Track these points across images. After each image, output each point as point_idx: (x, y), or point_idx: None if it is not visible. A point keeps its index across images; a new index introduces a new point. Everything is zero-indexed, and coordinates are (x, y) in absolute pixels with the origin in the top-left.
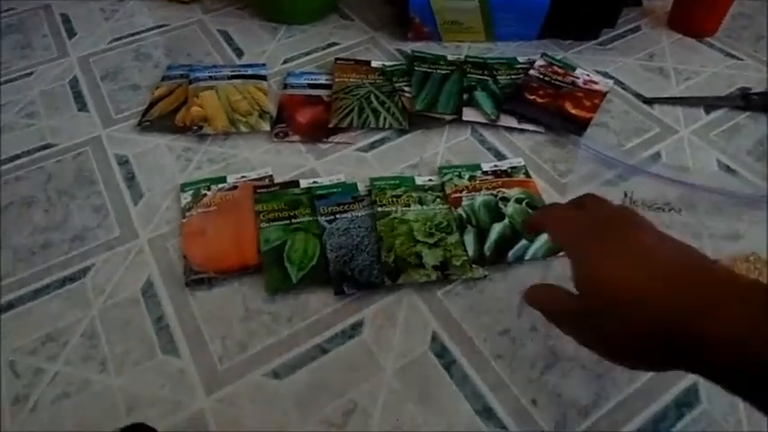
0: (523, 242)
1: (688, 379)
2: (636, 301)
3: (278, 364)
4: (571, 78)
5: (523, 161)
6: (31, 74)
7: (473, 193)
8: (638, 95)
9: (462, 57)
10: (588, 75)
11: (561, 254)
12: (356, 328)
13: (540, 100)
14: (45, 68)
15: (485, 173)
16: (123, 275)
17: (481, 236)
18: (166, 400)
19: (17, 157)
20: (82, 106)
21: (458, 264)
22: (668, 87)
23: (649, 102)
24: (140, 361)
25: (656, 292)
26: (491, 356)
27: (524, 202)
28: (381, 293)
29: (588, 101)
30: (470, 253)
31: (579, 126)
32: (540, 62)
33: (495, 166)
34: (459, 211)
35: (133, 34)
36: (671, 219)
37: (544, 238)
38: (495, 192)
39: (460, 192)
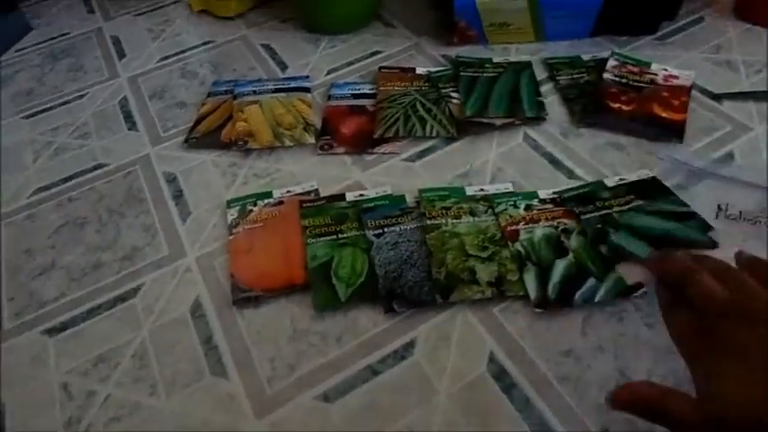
0: (592, 281)
1: None
2: None
3: (328, 387)
4: (649, 76)
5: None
6: (83, 96)
7: (531, 225)
8: (704, 91)
9: (510, 58)
10: (666, 69)
11: (637, 294)
12: (408, 348)
13: (625, 108)
14: (97, 90)
15: (542, 201)
16: (172, 295)
17: (543, 275)
18: (216, 424)
19: (71, 177)
20: (131, 125)
21: (513, 279)
22: (738, 81)
23: (718, 98)
24: (189, 383)
25: None
26: (554, 379)
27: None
28: (433, 311)
29: (676, 99)
30: (532, 295)
31: (675, 130)
32: (611, 62)
33: (554, 192)
34: (517, 246)
35: (179, 53)
36: None
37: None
38: (555, 223)
39: (517, 224)
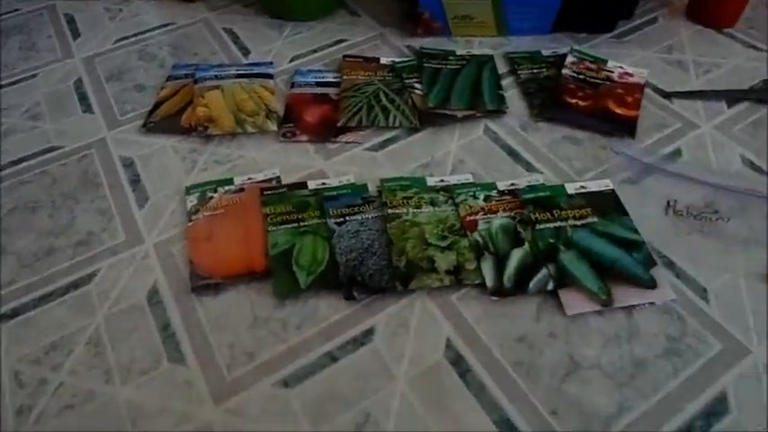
0: (545, 271)
1: (716, 387)
2: None
3: (288, 373)
4: (606, 73)
5: (542, 179)
6: (35, 75)
7: (489, 216)
8: (656, 89)
9: (473, 51)
10: (621, 67)
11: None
12: (367, 335)
13: (581, 103)
14: (49, 70)
15: (501, 192)
16: (129, 281)
17: (500, 264)
18: (173, 411)
19: (21, 160)
20: (87, 108)
21: (471, 268)
22: (688, 81)
23: (669, 96)
24: (146, 370)
25: None
26: (508, 364)
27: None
28: (393, 299)
29: (629, 96)
30: (489, 283)
31: (628, 126)
32: (570, 59)
33: (513, 184)
34: (476, 236)
35: (138, 34)
36: (716, 227)
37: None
38: (512, 213)
39: (476, 214)
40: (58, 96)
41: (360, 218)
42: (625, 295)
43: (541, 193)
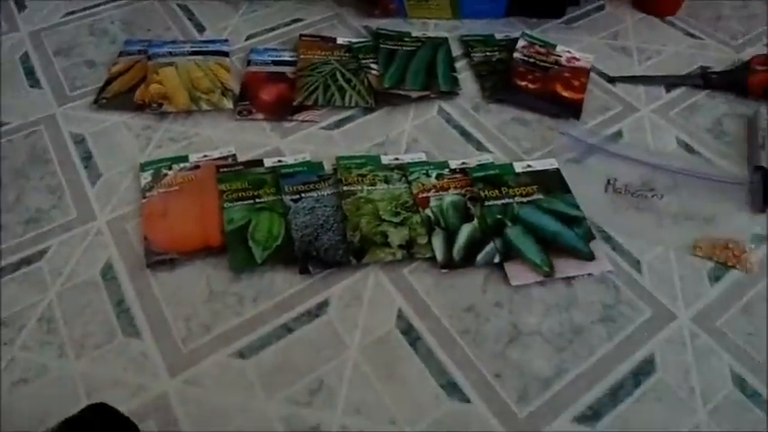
0: (492, 245)
1: (645, 349)
2: None
3: (243, 345)
4: (554, 57)
5: (491, 158)
6: None
7: (441, 193)
8: (601, 74)
9: (428, 33)
10: (569, 52)
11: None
12: (322, 307)
13: (531, 86)
14: None
15: (453, 170)
16: (81, 258)
17: (449, 239)
18: (128, 384)
19: None
20: (34, 83)
21: (423, 242)
22: (631, 66)
23: (612, 80)
24: (100, 344)
25: None
26: (456, 332)
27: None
28: (347, 272)
29: (576, 80)
30: (439, 257)
31: (573, 109)
32: (521, 43)
33: (464, 163)
34: (427, 212)
35: (88, 8)
36: (651, 204)
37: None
38: (463, 191)
39: (428, 191)
40: (3, 71)
41: (315, 195)
42: (565, 267)
43: (491, 172)
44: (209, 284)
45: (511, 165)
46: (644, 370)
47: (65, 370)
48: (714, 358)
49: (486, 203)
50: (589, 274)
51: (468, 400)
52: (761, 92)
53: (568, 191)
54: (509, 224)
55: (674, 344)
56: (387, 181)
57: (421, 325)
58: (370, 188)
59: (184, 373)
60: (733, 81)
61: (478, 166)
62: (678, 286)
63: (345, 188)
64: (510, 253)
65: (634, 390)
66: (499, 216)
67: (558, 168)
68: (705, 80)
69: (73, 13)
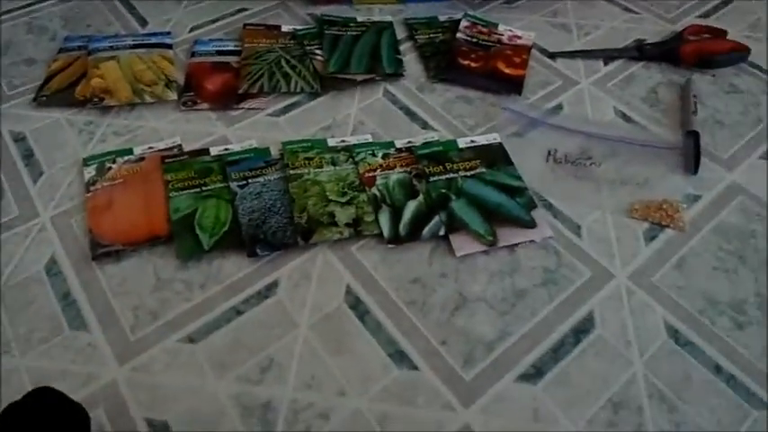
0: (437, 219)
1: (584, 308)
2: None
3: (192, 329)
4: (496, 36)
5: (437, 136)
6: None
7: (387, 172)
8: (542, 50)
9: (373, 18)
10: (511, 30)
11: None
12: (271, 288)
13: (473, 64)
14: None
15: (398, 150)
16: (24, 255)
17: (396, 215)
18: (76, 374)
19: None
20: None
21: (369, 220)
22: (570, 42)
23: (553, 56)
24: (47, 339)
25: None
26: (404, 304)
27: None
28: (296, 253)
29: (517, 57)
30: (385, 233)
31: (515, 85)
32: (464, 23)
33: (410, 142)
34: (374, 190)
35: (26, 6)
36: (589, 172)
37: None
38: (409, 169)
39: (374, 171)
40: None
41: (262, 180)
42: (508, 235)
43: (435, 149)
44: (157, 273)
45: (455, 141)
46: (583, 327)
47: (11, 366)
48: (649, 312)
49: (432, 179)
50: (531, 241)
51: (415, 368)
52: (693, 60)
53: (511, 163)
54: (453, 198)
55: (612, 301)
56: (333, 163)
57: (369, 299)
58: (316, 170)
59: (133, 360)
60: (667, 51)
61: (423, 144)
62: (616, 247)
63: (292, 172)
64: (455, 225)
65: (574, 347)
66: (444, 190)
67: (500, 142)
68: (641, 52)
69: (10, 11)
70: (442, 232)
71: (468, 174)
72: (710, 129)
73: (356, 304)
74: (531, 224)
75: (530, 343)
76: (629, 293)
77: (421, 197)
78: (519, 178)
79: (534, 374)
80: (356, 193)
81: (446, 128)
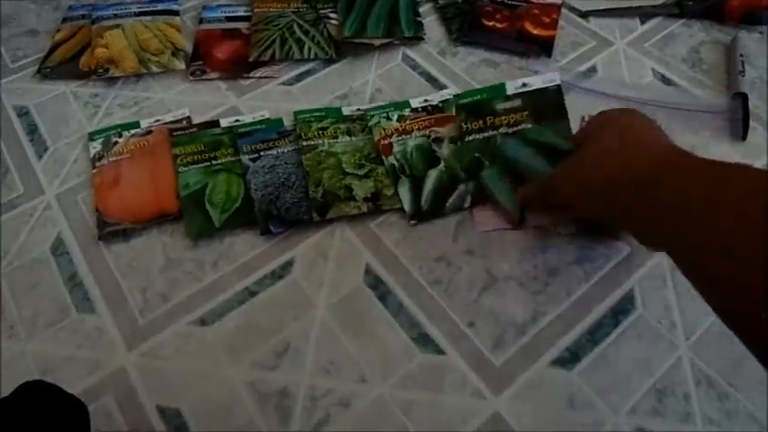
0: (461, 188)
1: (624, 287)
2: None
3: (204, 312)
4: None
5: (453, 93)
6: None
7: (404, 137)
8: (573, 9)
9: None
10: None
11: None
12: (286, 267)
13: (499, 25)
14: None
15: (414, 110)
16: (30, 235)
17: (417, 186)
18: (83, 360)
19: None
20: None
21: (389, 194)
22: None
23: (585, 15)
24: (53, 322)
25: None
26: (427, 283)
27: (459, 141)
28: (311, 230)
29: (546, 17)
30: (407, 207)
31: (544, 46)
32: None
33: (426, 100)
34: (391, 160)
35: None
36: None
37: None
38: (427, 132)
39: (390, 136)
40: None
41: (275, 152)
42: (538, 216)
43: (478, 98)
44: (166, 253)
45: (503, 85)
46: (623, 308)
47: (16, 350)
48: (695, 291)
49: (467, 139)
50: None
51: (441, 352)
52: (739, 16)
53: (564, 116)
54: (487, 164)
55: (654, 279)
56: (349, 133)
57: (390, 278)
58: (331, 141)
59: (143, 345)
60: (710, 7)
61: (465, 92)
62: None
63: (305, 143)
64: (482, 196)
65: (613, 329)
66: (477, 154)
67: (558, 85)
68: (681, 8)
69: None
70: (467, 203)
71: (510, 130)
72: (759, 90)
73: (376, 284)
74: None
75: (564, 325)
76: (672, 271)
77: (442, 165)
78: (568, 137)
79: (570, 359)
80: (374, 165)
81: None
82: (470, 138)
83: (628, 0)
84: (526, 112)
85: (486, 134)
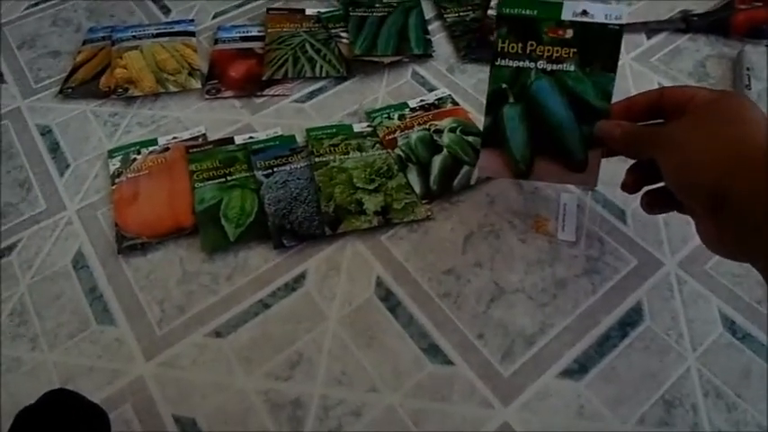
0: (466, 168)
1: (631, 299)
2: None
3: (219, 323)
4: None
5: (448, 91)
6: None
7: (406, 131)
8: None
9: None
10: None
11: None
12: (299, 280)
13: None
14: None
15: (413, 110)
16: (52, 249)
17: (424, 171)
18: (103, 370)
19: None
20: None
21: (399, 207)
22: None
23: None
24: (74, 334)
25: None
26: (436, 295)
27: (458, 130)
28: (323, 244)
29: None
30: (417, 190)
31: None
32: None
33: (422, 100)
34: (397, 151)
35: None
36: None
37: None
38: (427, 126)
39: (393, 132)
40: None
41: (288, 168)
42: (545, 172)
43: (526, 12)
44: (183, 266)
45: (560, 6)
46: (631, 320)
47: (39, 362)
48: (702, 302)
49: (498, 62)
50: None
51: (450, 363)
52: (744, 31)
53: (614, 68)
54: (511, 101)
55: (662, 291)
56: (360, 149)
57: (400, 291)
58: (342, 157)
59: (160, 355)
60: (715, 22)
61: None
62: (664, 233)
63: (317, 159)
64: (493, 138)
65: (621, 340)
66: (504, 85)
67: (620, 27)
68: (687, 23)
69: (36, 4)
70: (473, 181)
71: (549, 67)
72: (766, 103)
73: (387, 296)
74: (581, 166)
75: (572, 336)
76: (680, 282)
77: (445, 151)
78: (608, 96)
79: (578, 370)
80: (384, 179)
81: (478, 110)
82: (503, 62)
83: (633, 15)
84: (574, 50)
85: (521, 63)
